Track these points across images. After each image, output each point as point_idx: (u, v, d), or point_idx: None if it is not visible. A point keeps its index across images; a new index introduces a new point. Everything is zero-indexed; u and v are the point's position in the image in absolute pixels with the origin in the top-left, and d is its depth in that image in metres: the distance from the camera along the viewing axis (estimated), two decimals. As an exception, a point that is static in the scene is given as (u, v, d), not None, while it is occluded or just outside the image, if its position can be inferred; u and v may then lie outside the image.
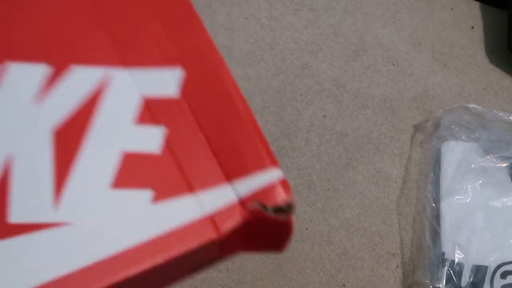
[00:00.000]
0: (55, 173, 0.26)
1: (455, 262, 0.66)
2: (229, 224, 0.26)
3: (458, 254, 0.66)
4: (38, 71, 0.27)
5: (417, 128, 0.81)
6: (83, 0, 0.29)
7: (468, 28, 0.93)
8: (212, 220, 0.26)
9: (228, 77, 0.33)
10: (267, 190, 0.27)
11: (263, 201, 0.27)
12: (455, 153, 0.75)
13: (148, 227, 0.25)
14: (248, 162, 0.28)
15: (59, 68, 0.28)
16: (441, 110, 0.80)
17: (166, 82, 0.29)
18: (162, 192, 0.26)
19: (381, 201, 0.74)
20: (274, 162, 0.28)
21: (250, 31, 0.93)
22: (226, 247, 0.27)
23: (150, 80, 0.29)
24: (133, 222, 0.26)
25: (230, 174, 0.28)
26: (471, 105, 0.79)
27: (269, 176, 0.28)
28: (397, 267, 0.69)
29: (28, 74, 0.27)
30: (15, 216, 0.25)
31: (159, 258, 0.25)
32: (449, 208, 0.70)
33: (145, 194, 0.26)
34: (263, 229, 0.28)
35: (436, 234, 0.68)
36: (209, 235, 0.26)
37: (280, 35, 0.93)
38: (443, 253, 0.66)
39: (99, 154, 0.27)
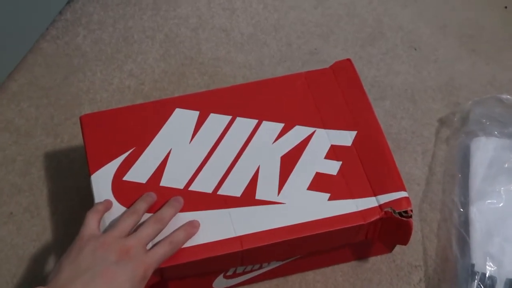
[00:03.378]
0: (279, 178, 0.61)
1: (487, 275, 0.65)
2: (371, 217, 0.59)
3: (490, 266, 0.66)
4: (277, 127, 0.65)
5: (442, 122, 0.81)
6: (302, 88, 0.68)
7: (501, 8, 0.93)
8: (361, 214, 0.59)
9: (382, 135, 0.65)
10: (397, 202, 0.60)
11: (393, 207, 0.59)
12: (486, 150, 0.74)
13: (324, 213, 0.59)
14: (387, 185, 0.61)
15: (288, 126, 0.65)
16: (470, 102, 0.79)
17: (345, 138, 0.64)
18: (335, 195, 0.60)
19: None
20: (403, 188, 0.61)
21: (251, 12, 0.93)
22: (369, 234, 0.61)
23: (336, 136, 0.64)
24: (316, 209, 0.59)
25: (375, 191, 0.61)
26: (504, 96, 0.78)
27: (399, 195, 0.60)
28: (420, 281, 0.69)
29: (271, 127, 0.65)
30: (258, 195, 0.60)
31: (325, 229, 0.58)
32: (480, 213, 0.69)
33: (325, 196, 0.60)
34: (392, 226, 0.60)
35: (464, 244, 0.68)
36: (359, 221, 0.59)
37: (285, 16, 0.92)
38: (473, 265, 0.66)
39: (303, 172, 0.62)
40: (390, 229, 0.61)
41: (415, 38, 0.90)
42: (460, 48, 0.89)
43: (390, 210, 0.59)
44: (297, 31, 0.90)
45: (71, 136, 0.79)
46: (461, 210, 0.71)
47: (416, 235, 0.71)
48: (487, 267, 0.66)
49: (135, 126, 0.65)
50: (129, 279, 0.52)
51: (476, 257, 0.66)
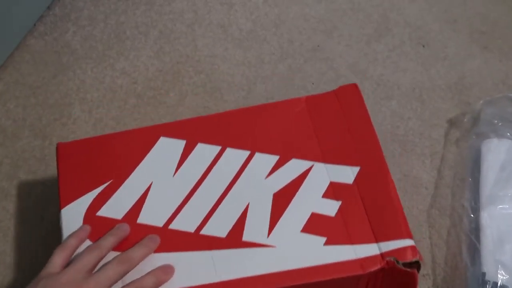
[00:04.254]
0: (271, 218, 0.58)
1: (498, 284, 0.65)
2: (371, 267, 0.55)
3: (502, 274, 0.66)
4: (271, 159, 0.61)
5: (452, 123, 0.81)
6: (302, 115, 0.65)
7: (513, 2, 0.94)
8: (360, 262, 0.55)
9: (387, 173, 0.61)
10: (401, 251, 0.55)
11: (397, 257, 0.55)
12: (498, 153, 0.74)
13: (318, 259, 0.55)
14: (391, 231, 0.57)
15: (284, 158, 0.61)
16: (481, 102, 0.79)
17: (347, 174, 0.61)
18: (332, 240, 0.56)
19: (409, 211, 0.74)
20: (409, 235, 0.57)
21: (250, 6, 0.93)
22: (369, 286, 0.57)
23: (337, 171, 0.61)
24: (310, 254, 0.55)
25: (377, 237, 0.56)
26: (517, 96, 0.79)
27: (404, 243, 0.56)
28: (428, 291, 0.69)
29: (264, 160, 0.61)
30: (245, 237, 0.57)
31: (318, 278, 0.54)
32: (491, 219, 0.69)
33: (321, 240, 0.56)
34: (395, 278, 0.56)
35: (475, 251, 0.68)
36: (357, 271, 0.55)
37: (287, 11, 0.93)
38: (484, 274, 0.66)
39: (297, 212, 0.58)
40: (393, 282, 0.58)
41: (423, 34, 0.90)
42: (471, 44, 0.89)
43: (393, 260, 0.56)
44: (299, 27, 0.90)
45: (60, 138, 0.79)
46: (472, 215, 0.71)
47: (424, 242, 0.71)
48: (499, 275, 0.66)
49: (115, 156, 0.63)
50: None
51: (487, 265, 0.66)
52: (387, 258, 0.55)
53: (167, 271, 0.54)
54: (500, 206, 0.70)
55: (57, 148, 0.64)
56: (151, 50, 0.87)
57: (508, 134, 0.76)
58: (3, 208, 0.73)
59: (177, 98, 0.83)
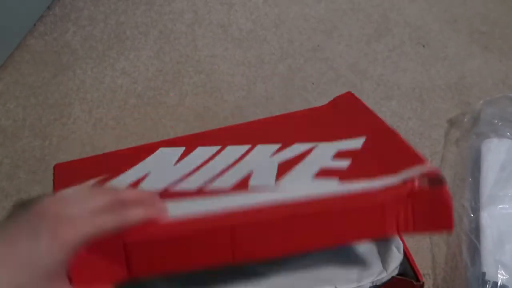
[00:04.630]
0: (277, 174, 0.56)
1: (498, 284, 0.66)
2: (397, 194, 0.48)
3: (502, 274, 0.66)
4: (273, 147, 0.61)
5: (452, 123, 0.82)
6: (301, 122, 0.67)
7: (513, 2, 0.95)
8: (385, 191, 0.48)
9: (396, 136, 0.58)
10: (424, 174, 0.49)
11: (422, 178, 0.48)
12: (498, 152, 0.75)
13: (335, 192, 0.50)
14: (408, 162, 0.51)
15: (286, 144, 0.61)
16: (481, 101, 0.80)
17: (353, 143, 0.59)
18: (348, 178, 0.52)
19: (409, 210, 0.74)
20: (426, 161, 0.51)
21: (250, 6, 0.94)
22: (400, 223, 0.49)
23: (343, 143, 0.60)
24: (326, 189, 0.50)
25: (396, 169, 0.51)
26: (517, 96, 0.80)
27: (423, 168, 0.50)
28: (428, 290, 0.69)
29: (266, 148, 0.61)
30: (252, 183, 0.55)
31: (342, 205, 0.49)
32: (491, 219, 0.70)
33: (335, 180, 0.53)
34: (426, 205, 0.49)
35: (475, 251, 0.69)
36: (380, 198, 0.48)
37: (287, 11, 0.94)
38: (484, 274, 0.67)
39: (306, 167, 0.57)
40: (425, 211, 0.49)
41: (423, 34, 0.90)
42: (471, 44, 0.89)
43: (418, 183, 0.48)
44: (299, 27, 0.91)
45: (60, 138, 0.79)
46: (472, 215, 0.71)
47: (424, 242, 0.72)
48: (499, 275, 0.66)
49: (112, 169, 0.62)
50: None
51: (487, 265, 0.67)
52: (413, 182, 0.48)
53: (156, 204, 0.48)
54: (500, 206, 0.71)
55: (54, 169, 0.64)
56: (151, 50, 0.88)
57: (508, 134, 0.76)
58: (3, 208, 0.74)
59: (177, 98, 0.83)
